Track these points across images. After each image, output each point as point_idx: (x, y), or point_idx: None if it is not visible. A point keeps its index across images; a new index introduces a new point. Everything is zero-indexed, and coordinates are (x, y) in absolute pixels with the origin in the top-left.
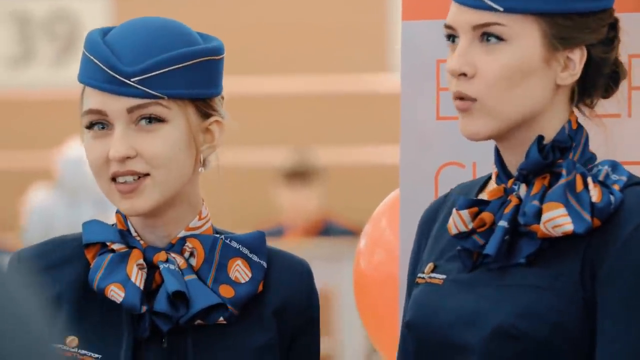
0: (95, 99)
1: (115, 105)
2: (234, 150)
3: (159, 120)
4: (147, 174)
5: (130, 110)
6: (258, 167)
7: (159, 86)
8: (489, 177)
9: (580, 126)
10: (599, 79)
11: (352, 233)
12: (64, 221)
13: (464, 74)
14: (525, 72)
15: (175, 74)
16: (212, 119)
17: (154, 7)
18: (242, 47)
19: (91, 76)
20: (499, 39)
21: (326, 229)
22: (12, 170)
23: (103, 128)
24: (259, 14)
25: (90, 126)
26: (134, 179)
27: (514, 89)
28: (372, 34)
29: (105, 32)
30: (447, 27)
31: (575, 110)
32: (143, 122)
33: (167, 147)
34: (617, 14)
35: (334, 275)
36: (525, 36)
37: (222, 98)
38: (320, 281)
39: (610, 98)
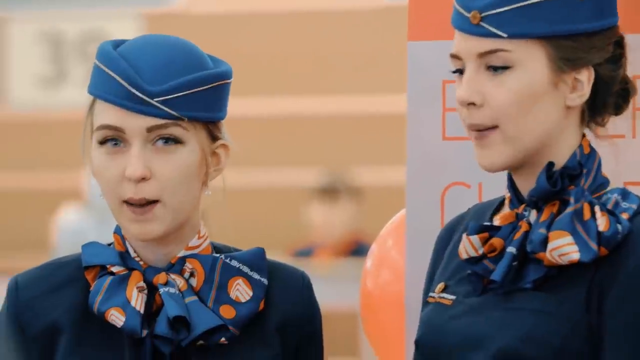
0: (113, 115)
1: (135, 124)
2: (266, 171)
3: (177, 141)
4: (157, 201)
5: (150, 130)
6: (290, 187)
7: (181, 107)
8: (504, 199)
9: (592, 150)
10: (608, 98)
11: None
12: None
13: (473, 104)
14: (534, 97)
15: (195, 97)
16: (219, 142)
17: (183, 26)
18: (275, 69)
19: (108, 91)
20: (505, 66)
21: (357, 249)
22: (42, 190)
23: (116, 145)
24: (291, 36)
25: (104, 142)
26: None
27: (525, 115)
28: (399, 56)
29: (118, 44)
30: (453, 56)
31: (587, 132)
32: (160, 142)
33: (182, 171)
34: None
35: None
36: (531, 60)
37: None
38: (348, 301)
39: (614, 119)
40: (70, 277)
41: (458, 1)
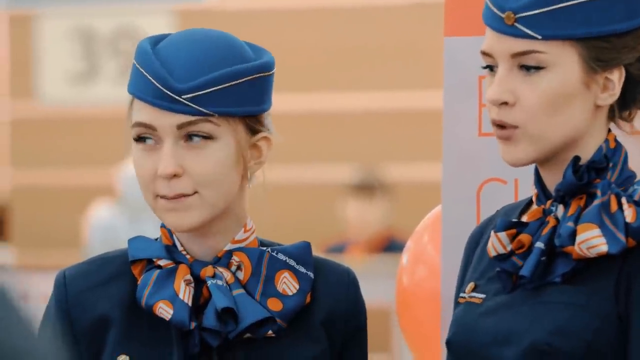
0: (145, 113)
1: (166, 121)
2: (301, 167)
3: (208, 137)
4: (195, 192)
5: (180, 127)
6: (324, 183)
7: (210, 104)
8: (531, 199)
9: (618, 145)
10: (637, 95)
11: None
12: (126, 237)
13: (505, 103)
14: (566, 98)
15: (227, 92)
16: (260, 135)
17: (216, 22)
18: (309, 65)
19: (142, 89)
20: (539, 67)
21: (390, 245)
22: (74, 187)
23: (152, 142)
24: (325, 33)
25: (139, 139)
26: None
27: (556, 115)
28: (434, 51)
29: (157, 40)
30: (484, 53)
31: (613, 127)
32: (192, 138)
33: (215, 166)
34: None
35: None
36: (564, 62)
37: (269, 114)
38: (381, 297)
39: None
40: (118, 271)
41: (491, 0)
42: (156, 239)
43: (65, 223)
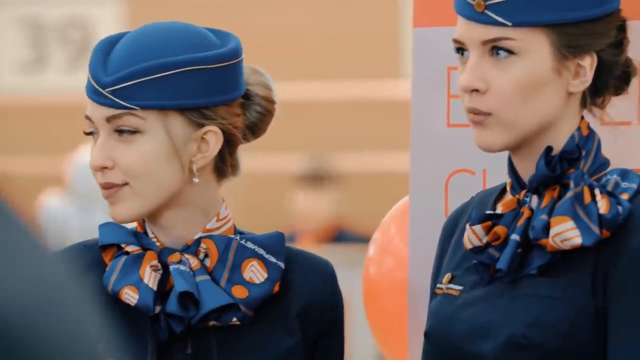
0: (89, 106)
1: (98, 114)
2: (248, 156)
3: (134, 130)
4: (126, 184)
5: (108, 120)
6: (273, 173)
7: (132, 97)
8: (506, 185)
9: (591, 132)
10: (609, 81)
11: (366, 240)
12: (76, 226)
13: (477, 90)
14: (537, 84)
15: (152, 84)
16: (206, 129)
17: (167, 13)
18: (257, 53)
19: (87, 83)
20: (510, 52)
21: (339, 236)
22: (24, 176)
23: (95, 135)
24: (273, 20)
25: (89, 132)
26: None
27: (528, 101)
28: (386, 40)
29: (121, 37)
30: (456, 41)
31: (586, 114)
32: (121, 131)
33: (142, 158)
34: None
35: (346, 282)
36: (535, 48)
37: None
38: None
39: (619, 105)
40: (94, 260)
41: None
42: (132, 227)
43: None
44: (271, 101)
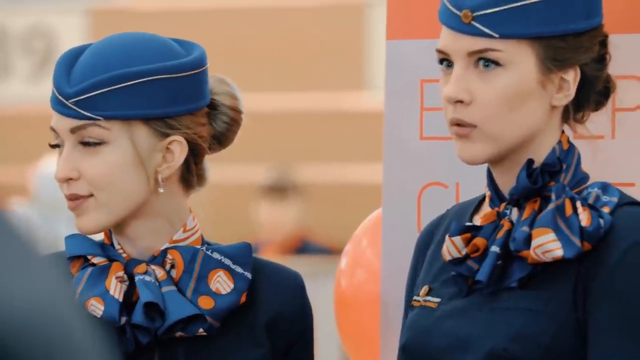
0: (54, 118)
1: (62, 125)
2: (213, 167)
3: (99, 141)
4: (91, 195)
5: (73, 131)
6: (237, 184)
7: (96, 107)
8: (483, 198)
9: (571, 146)
10: (591, 96)
11: (330, 251)
12: (41, 237)
13: (461, 101)
14: (522, 96)
15: (115, 95)
16: (170, 139)
17: (131, 23)
18: (222, 63)
19: (51, 95)
20: (496, 63)
21: (303, 247)
22: None
23: (60, 147)
24: (238, 31)
25: (54, 145)
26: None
27: (512, 114)
28: (351, 52)
29: (85, 48)
30: (440, 52)
31: (566, 128)
32: (86, 142)
33: (107, 169)
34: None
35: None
36: (520, 61)
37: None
38: None
39: (594, 120)
40: (64, 272)
41: None
42: (99, 239)
43: None
44: (238, 111)
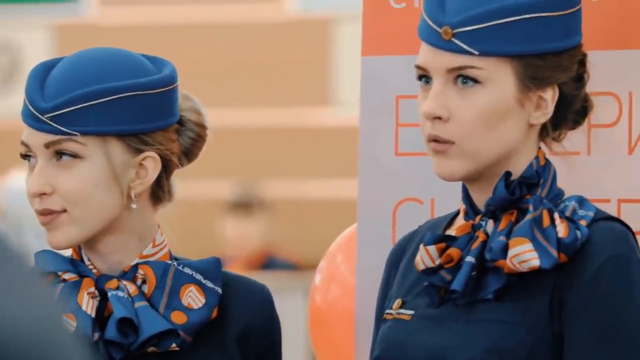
0: (25, 132)
1: (36, 140)
2: (178, 182)
3: (74, 156)
4: (64, 210)
5: (47, 146)
6: (202, 199)
7: (72, 123)
8: (457, 214)
9: (547, 162)
10: (569, 115)
11: (295, 267)
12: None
13: (439, 117)
14: (501, 114)
15: (92, 110)
16: (144, 155)
17: (95, 39)
18: (185, 79)
19: (23, 109)
20: (475, 81)
21: (268, 263)
22: None
23: (34, 160)
24: (203, 47)
25: (24, 157)
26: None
27: (490, 131)
28: (316, 68)
29: (57, 62)
30: (419, 68)
31: (542, 145)
32: (62, 157)
33: (82, 184)
34: None
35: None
36: (499, 78)
37: (176, 129)
38: None
39: (570, 137)
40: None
41: (428, 14)
42: (68, 255)
43: None
44: (203, 126)
